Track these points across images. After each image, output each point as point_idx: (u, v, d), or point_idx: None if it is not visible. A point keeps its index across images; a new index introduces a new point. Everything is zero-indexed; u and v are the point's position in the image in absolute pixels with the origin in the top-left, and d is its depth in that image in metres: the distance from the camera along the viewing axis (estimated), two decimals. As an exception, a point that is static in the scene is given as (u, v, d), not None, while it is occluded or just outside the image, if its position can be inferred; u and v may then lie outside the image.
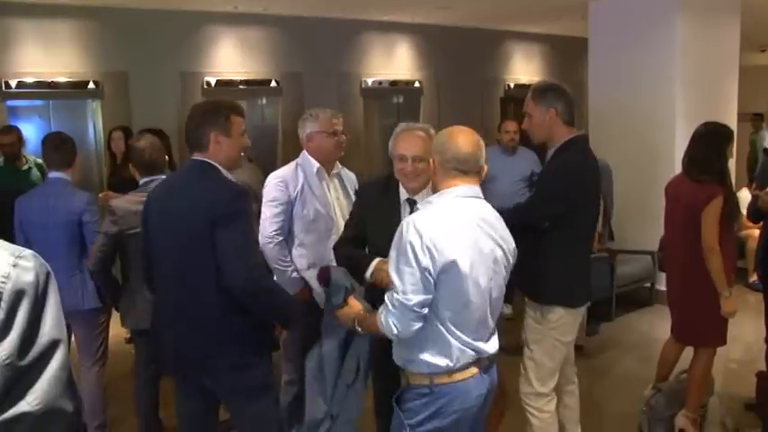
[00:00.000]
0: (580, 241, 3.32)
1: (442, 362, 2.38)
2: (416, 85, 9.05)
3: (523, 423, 3.36)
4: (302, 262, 3.59)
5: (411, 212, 2.86)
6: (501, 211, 2.61)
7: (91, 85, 7.01)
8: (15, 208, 3.98)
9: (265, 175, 3.79)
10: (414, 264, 2.28)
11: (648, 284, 6.89)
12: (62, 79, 6.89)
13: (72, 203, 3.85)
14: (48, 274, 1.09)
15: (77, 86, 6.96)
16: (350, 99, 8.63)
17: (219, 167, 2.82)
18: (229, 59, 7.81)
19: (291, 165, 3.69)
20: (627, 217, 6.56)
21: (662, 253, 4.34)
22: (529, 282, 3.28)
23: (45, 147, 4.05)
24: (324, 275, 2.84)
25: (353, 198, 3.71)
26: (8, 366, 0.97)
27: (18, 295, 1.01)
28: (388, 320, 2.33)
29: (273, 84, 8.04)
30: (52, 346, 1.04)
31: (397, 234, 2.37)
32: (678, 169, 4.07)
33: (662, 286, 6.65)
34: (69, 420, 1.04)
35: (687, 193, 3.80)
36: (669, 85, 6.70)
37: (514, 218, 2.91)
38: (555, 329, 3.25)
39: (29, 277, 1.05)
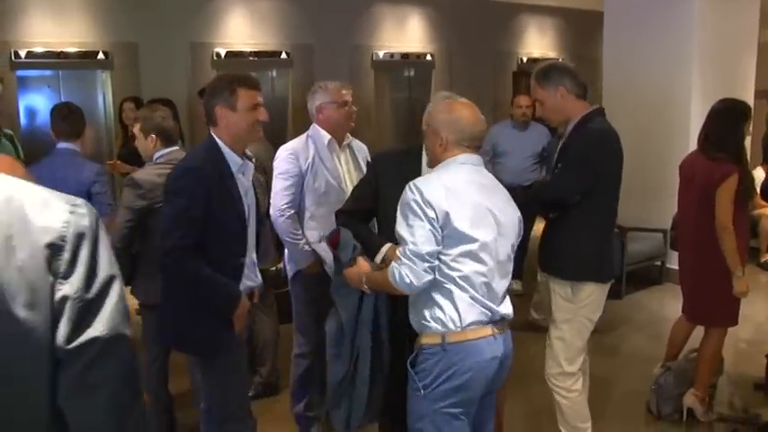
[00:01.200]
0: (608, 213, 3.27)
1: (454, 318, 2.42)
2: (428, 57, 8.96)
3: (546, 404, 3.35)
4: (313, 235, 3.56)
5: None
6: (529, 189, 2.62)
7: (100, 56, 6.96)
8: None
9: (275, 149, 3.76)
10: (422, 216, 2.37)
11: (659, 263, 6.84)
12: (72, 49, 6.85)
13: (82, 174, 3.81)
14: (98, 219, 1.21)
15: (87, 57, 6.92)
16: (361, 72, 8.55)
17: (219, 142, 2.77)
18: (240, 30, 7.74)
19: (302, 137, 3.65)
20: (639, 194, 6.50)
21: (674, 231, 4.29)
22: (556, 259, 3.23)
23: (53, 117, 4.01)
24: (335, 239, 2.85)
25: (365, 170, 3.68)
26: (77, 300, 1.11)
27: (79, 237, 1.14)
28: (401, 272, 2.39)
29: (284, 56, 7.98)
30: (110, 281, 1.17)
31: (401, 198, 2.45)
32: (693, 147, 4.01)
33: (673, 265, 6.61)
34: (128, 344, 1.18)
35: (702, 170, 3.74)
36: (685, 62, 6.58)
37: (545, 194, 2.96)
38: (586, 306, 3.20)
39: (86, 221, 1.17)
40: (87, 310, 1.12)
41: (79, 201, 1.21)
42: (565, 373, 3.26)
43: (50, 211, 1.14)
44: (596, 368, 3.58)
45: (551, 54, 10.24)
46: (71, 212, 1.15)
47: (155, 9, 7.13)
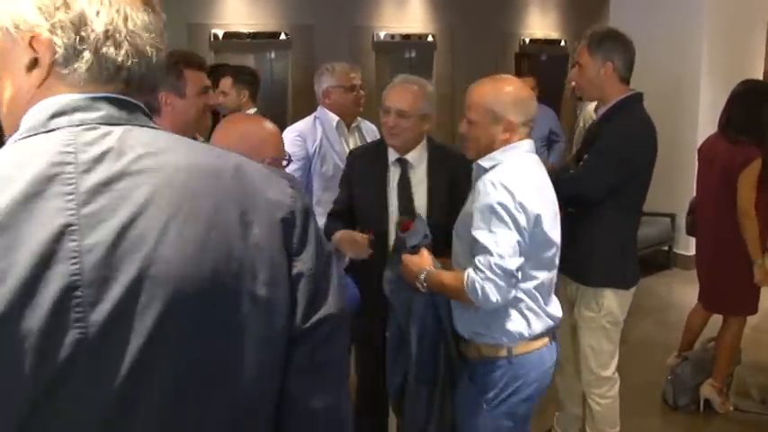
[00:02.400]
0: (634, 213, 3.07)
1: (523, 330, 2.26)
2: (429, 39, 8.78)
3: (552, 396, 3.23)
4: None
5: (402, 173, 2.78)
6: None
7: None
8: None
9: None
10: (511, 224, 2.11)
11: (667, 248, 6.73)
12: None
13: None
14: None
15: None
16: (362, 53, 8.36)
17: None
18: (237, 11, 7.54)
19: (309, 119, 3.52)
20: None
21: (691, 216, 4.16)
22: (578, 263, 2.95)
23: None
24: (407, 224, 2.57)
25: None
26: (311, 277, 1.06)
27: (305, 212, 1.09)
28: (485, 289, 2.11)
29: (283, 36, 7.78)
30: (330, 257, 1.12)
31: (478, 196, 2.20)
32: (702, 129, 3.89)
33: (681, 250, 6.52)
34: (347, 321, 1.14)
35: (723, 154, 3.61)
36: (694, 42, 6.44)
37: (566, 189, 2.63)
38: (610, 314, 3.01)
39: (306, 198, 1.12)
40: (319, 287, 1.08)
41: (290, 175, 1.17)
42: (600, 378, 3.10)
43: (277, 185, 1.07)
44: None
45: (554, 35, 10.07)
46: (292, 187, 1.09)
47: (150, -11, 6.94)
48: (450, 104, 8.94)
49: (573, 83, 3.55)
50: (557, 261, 2.33)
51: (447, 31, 8.88)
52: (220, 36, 7.37)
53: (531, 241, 2.17)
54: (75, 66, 0.97)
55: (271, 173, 1.11)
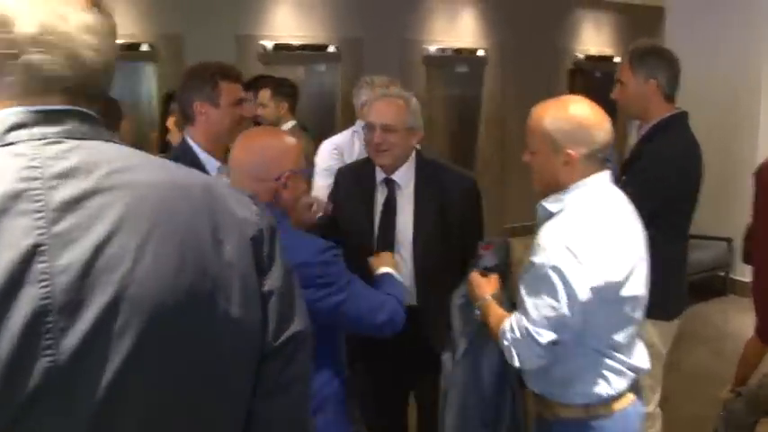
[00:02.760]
0: (679, 239, 2.86)
1: (601, 391, 1.99)
2: (481, 53, 8.65)
3: None
4: None
5: (390, 194, 2.62)
6: None
7: (145, 48, 6.85)
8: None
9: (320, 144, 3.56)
10: (559, 296, 1.85)
11: (723, 273, 6.44)
12: (117, 41, 6.73)
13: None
14: None
15: (132, 49, 6.80)
16: (412, 67, 8.29)
17: (193, 146, 2.53)
18: (287, 23, 7.56)
19: (347, 132, 3.47)
20: (702, 199, 6.10)
21: (748, 243, 3.93)
22: None
23: None
24: (489, 245, 2.38)
25: None
26: (280, 294, 1.05)
27: (272, 230, 1.07)
28: (510, 347, 1.96)
29: (332, 49, 7.76)
30: (292, 274, 1.10)
31: (537, 247, 1.93)
32: (762, 148, 3.68)
33: (738, 276, 6.23)
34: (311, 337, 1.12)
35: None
36: (754, 58, 6.18)
37: None
38: (651, 346, 2.70)
39: (270, 216, 1.10)
40: (287, 304, 1.07)
41: (248, 193, 1.15)
42: None
43: (243, 203, 1.06)
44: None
45: (609, 51, 9.83)
46: (255, 205, 1.08)
47: (200, 0, 6.99)
48: (501, 122, 8.81)
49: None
50: (639, 314, 2.04)
51: (499, 46, 8.74)
52: (269, 48, 7.39)
53: (605, 308, 1.92)
54: (6, 73, 0.91)
55: (235, 191, 1.10)
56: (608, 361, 1.99)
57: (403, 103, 2.55)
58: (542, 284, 1.88)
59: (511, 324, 1.97)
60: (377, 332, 2.07)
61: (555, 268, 1.85)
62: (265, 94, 3.95)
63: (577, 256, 1.84)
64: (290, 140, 2.10)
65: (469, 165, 9.05)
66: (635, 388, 2.08)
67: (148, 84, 7.14)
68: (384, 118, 2.50)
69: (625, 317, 1.98)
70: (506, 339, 1.98)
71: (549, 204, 2.03)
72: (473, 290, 2.24)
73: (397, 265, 2.35)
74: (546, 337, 1.88)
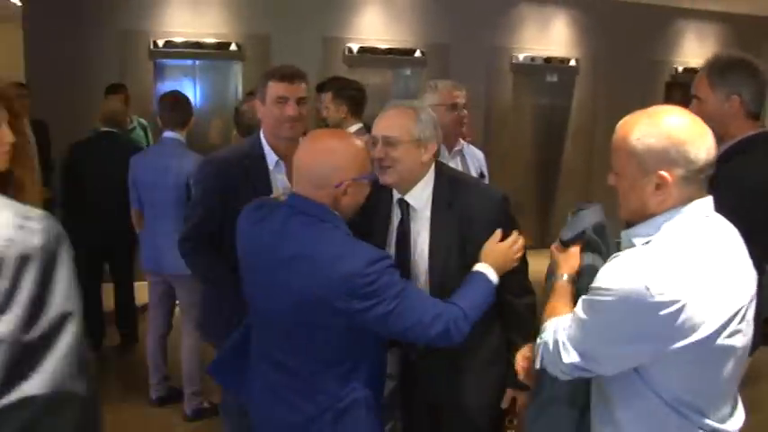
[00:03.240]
0: (758, 270, 2.59)
1: None
2: (572, 63, 8.40)
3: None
4: None
5: (404, 216, 2.31)
6: None
7: (233, 47, 6.97)
8: (130, 166, 3.98)
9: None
10: (623, 338, 1.60)
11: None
12: (208, 40, 6.91)
13: (182, 165, 3.77)
14: (60, 237, 0.96)
15: (221, 48, 6.95)
16: (499, 75, 8.14)
17: (262, 137, 2.70)
18: (373, 26, 7.54)
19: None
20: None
21: None
22: None
23: (160, 106, 4.00)
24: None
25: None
26: (13, 343, 0.85)
27: (23, 261, 0.89)
28: (539, 347, 1.80)
29: (418, 54, 7.70)
30: (62, 320, 0.92)
31: (610, 269, 1.63)
32: None
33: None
34: (82, 405, 0.89)
35: None
36: None
37: None
38: None
39: (36, 241, 0.93)
40: (25, 357, 0.86)
41: (36, 213, 0.97)
42: None
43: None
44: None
45: (712, 65, 9.36)
46: (19, 227, 0.91)
47: (288, 1, 7.07)
48: (589, 135, 8.51)
49: None
50: (738, 371, 1.70)
51: (591, 56, 8.46)
52: (355, 50, 7.39)
53: (691, 360, 1.60)
54: None
55: None
56: (686, 422, 1.67)
57: (411, 113, 2.24)
58: (600, 309, 1.63)
59: (554, 327, 1.78)
60: (430, 342, 2.01)
61: (623, 301, 1.56)
62: (327, 97, 3.92)
63: (654, 297, 1.53)
64: (353, 146, 2.03)
65: (553, 177, 8.81)
66: None
67: (235, 82, 7.28)
68: (386, 130, 2.22)
69: (717, 374, 1.64)
70: (541, 337, 1.81)
71: (635, 236, 1.71)
72: (550, 266, 2.05)
73: (506, 258, 2.22)
74: (571, 357, 1.69)
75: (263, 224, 2.06)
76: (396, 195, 2.33)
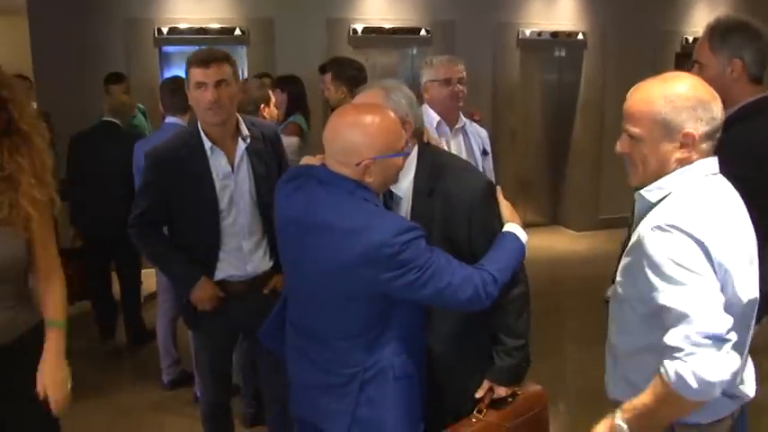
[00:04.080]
0: (761, 239, 2.52)
1: (700, 419, 1.73)
2: (580, 37, 8.29)
3: None
4: None
5: (386, 205, 2.19)
6: None
7: (238, 32, 6.96)
8: (134, 152, 3.99)
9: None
10: (705, 274, 1.59)
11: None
12: (212, 25, 6.91)
13: (184, 150, 3.76)
14: None
15: (225, 33, 6.94)
16: (506, 51, 8.06)
17: (200, 123, 2.72)
18: (378, 6, 7.49)
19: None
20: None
21: None
22: None
23: (162, 91, 4.02)
24: None
25: (479, 157, 3.32)
26: None
27: None
28: (695, 371, 1.53)
29: (423, 33, 7.64)
30: None
31: (640, 248, 1.67)
32: None
33: None
34: None
35: None
36: None
37: None
38: None
39: None
40: None
41: None
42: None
43: None
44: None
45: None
46: None
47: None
48: (600, 109, 8.43)
49: None
50: (752, 322, 1.75)
51: (599, 29, 8.35)
52: (360, 31, 7.36)
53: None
54: None
55: None
56: None
57: (380, 93, 2.14)
58: (678, 276, 1.59)
59: (671, 349, 1.58)
60: (463, 308, 2.02)
61: (675, 255, 1.60)
62: (328, 78, 3.94)
63: (695, 236, 1.59)
64: (376, 123, 1.94)
65: (563, 154, 8.75)
66: (735, 414, 1.79)
67: (240, 66, 7.26)
68: None
69: (738, 326, 1.63)
70: (681, 370, 1.55)
71: (648, 193, 1.77)
72: None
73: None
74: (722, 324, 1.55)
75: (295, 195, 2.06)
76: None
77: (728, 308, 1.61)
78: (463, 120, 3.38)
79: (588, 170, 8.46)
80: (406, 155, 2.05)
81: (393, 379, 2.05)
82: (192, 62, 2.60)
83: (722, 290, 1.62)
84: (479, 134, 3.50)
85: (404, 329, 2.08)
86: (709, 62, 2.46)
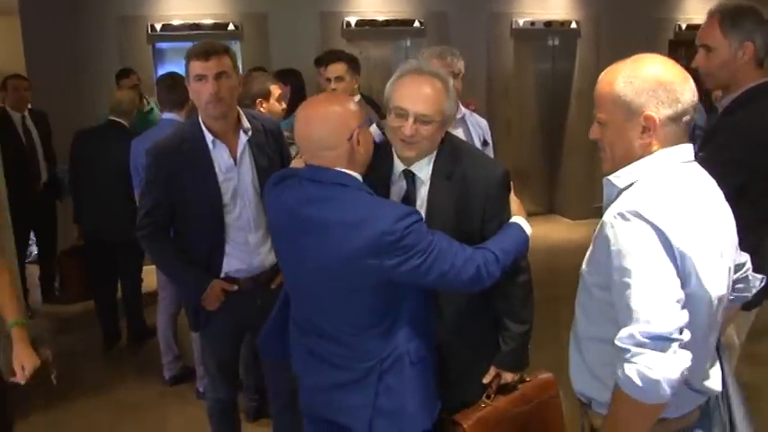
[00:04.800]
0: (760, 223, 2.44)
1: (665, 413, 1.66)
2: (573, 26, 8.30)
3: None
4: None
5: (409, 189, 2.21)
6: None
7: (231, 27, 6.95)
8: (131, 150, 3.98)
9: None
10: (661, 270, 1.53)
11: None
12: (205, 21, 6.89)
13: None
14: None
15: (218, 28, 6.93)
16: (499, 41, 8.06)
17: (200, 117, 2.70)
18: (372, -1, 7.49)
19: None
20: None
21: None
22: None
23: (158, 88, 4.03)
24: None
25: (479, 147, 3.32)
26: None
27: None
28: (641, 371, 1.50)
29: (417, 24, 7.64)
30: None
31: (607, 241, 1.61)
32: None
33: None
34: None
35: None
36: None
37: None
38: (725, 336, 2.39)
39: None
40: None
41: None
42: None
43: None
44: (742, 379, 3.05)
45: (716, 20, 9.22)
46: None
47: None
48: (593, 99, 8.41)
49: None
50: (719, 317, 1.71)
51: (592, 18, 8.36)
52: (353, 24, 7.35)
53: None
54: None
55: None
56: None
57: (442, 87, 2.11)
58: (637, 271, 1.54)
59: (617, 352, 1.57)
60: (466, 289, 2.05)
61: (636, 245, 1.54)
62: (341, 68, 3.96)
63: (659, 227, 1.53)
64: (342, 100, 2.09)
65: (558, 143, 8.76)
66: (702, 409, 1.76)
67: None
68: (420, 106, 2.07)
69: (701, 321, 1.62)
70: (625, 372, 1.54)
71: (616, 178, 1.72)
72: None
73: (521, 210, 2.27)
74: (672, 322, 1.51)
75: (285, 196, 2.09)
76: (399, 166, 2.22)
77: (692, 302, 1.57)
78: (462, 110, 3.38)
79: (583, 159, 8.47)
80: (373, 122, 2.16)
81: (410, 365, 2.08)
82: (192, 55, 2.60)
83: (684, 282, 1.56)
84: (479, 124, 3.50)
85: (413, 315, 2.11)
86: (719, 45, 2.46)
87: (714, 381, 1.79)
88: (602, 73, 1.76)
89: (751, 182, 2.38)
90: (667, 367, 1.49)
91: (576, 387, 1.90)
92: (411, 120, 2.06)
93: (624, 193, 1.69)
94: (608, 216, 1.64)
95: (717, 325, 1.74)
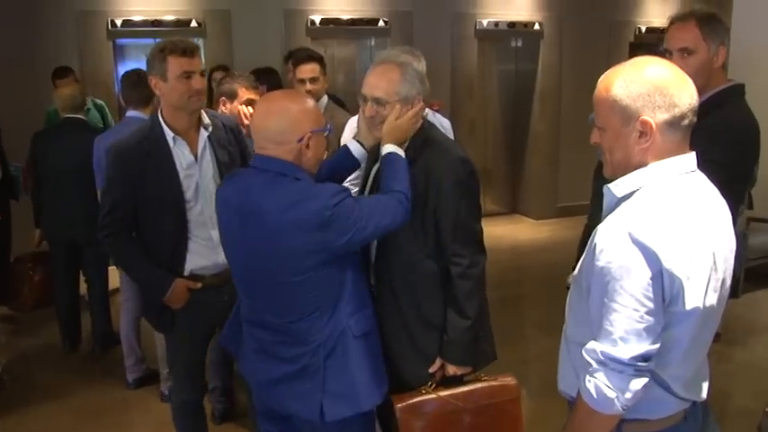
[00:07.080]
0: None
1: (638, 414, 1.68)
2: (536, 27, 8.38)
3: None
4: None
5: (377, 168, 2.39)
6: None
7: (194, 24, 6.87)
8: (94, 149, 3.92)
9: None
10: (641, 297, 1.53)
11: (785, 258, 6.10)
12: (167, 17, 6.79)
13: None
14: None
15: (181, 25, 6.83)
16: (463, 41, 8.10)
17: (159, 116, 2.71)
18: (336, -4, 7.46)
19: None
20: (762, 182, 5.78)
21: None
22: None
23: (123, 84, 3.98)
24: None
25: None
26: None
27: None
28: (598, 386, 1.58)
29: (381, 23, 7.64)
30: None
31: (595, 253, 1.60)
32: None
33: (802, 261, 5.89)
34: None
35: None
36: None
37: None
38: None
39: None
40: None
41: None
42: None
43: None
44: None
45: (674, 23, 9.39)
46: None
47: (250, -26, 6.97)
48: (556, 99, 8.53)
49: None
50: (710, 336, 1.71)
51: (555, 19, 8.45)
52: (317, 22, 7.32)
53: (672, 322, 1.60)
54: None
55: None
56: (658, 388, 1.68)
57: (397, 70, 2.30)
58: (614, 291, 1.56)
59: (583, 364, 1.63)
60: (397, 228, 2.18)
61: (623, 268, 1.54)
62: (317, 68, 3.97)
63: (652, 249, 1.52)
64: (305, 103, 2.17)
65: (521, 142, 8.84)
66: (688, 411, 1.76)
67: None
68: (375, 90, 2.30)
69: (691, 337, 1.63)
70: (586, 385, 1.61)
71: (616, 187, 1.68)
72: None
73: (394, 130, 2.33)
74: (632, 349, 1.55)
75: (225, 191, 2.20)
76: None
77: (679, 319, 1.59)
78: (428, 111, 3.38)
79: (546, 159, 8.57)
80: (330, 131, 2.23)
81: (353, 338, 2.16)
82: (175, 52, 2.61)
83: (672, 302, 1.56)
84: (442, 125, 3.51)
85: (353, 287, 2.19)
86: (700, 49, 2.47)
87: (700, 389, 1.79)
88: (601, 77, 1.72)
89: (729, 184, 2.42)
90: (623, 388, 1.55)
91: (561, 386, 1.91)
92: (369, 103, 2.32)
93: (622, 205, 1.66)
94: (602, 229, 1.63)
95: (708, 336, 1.73)
